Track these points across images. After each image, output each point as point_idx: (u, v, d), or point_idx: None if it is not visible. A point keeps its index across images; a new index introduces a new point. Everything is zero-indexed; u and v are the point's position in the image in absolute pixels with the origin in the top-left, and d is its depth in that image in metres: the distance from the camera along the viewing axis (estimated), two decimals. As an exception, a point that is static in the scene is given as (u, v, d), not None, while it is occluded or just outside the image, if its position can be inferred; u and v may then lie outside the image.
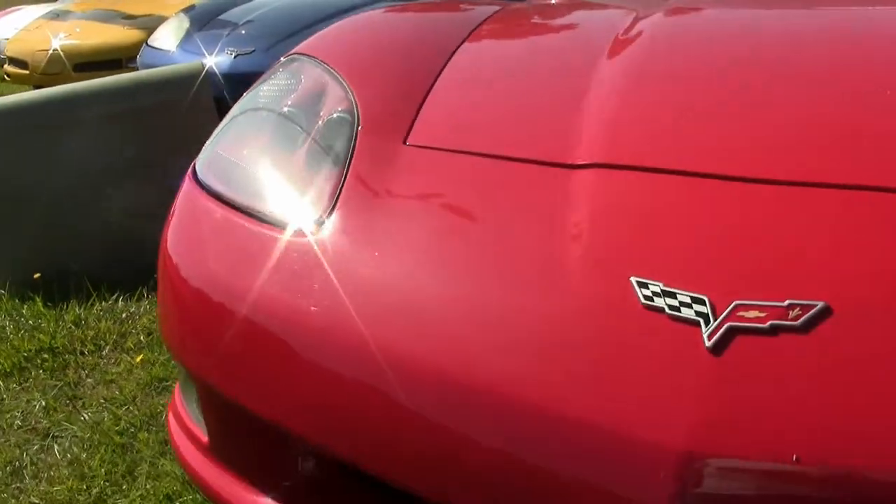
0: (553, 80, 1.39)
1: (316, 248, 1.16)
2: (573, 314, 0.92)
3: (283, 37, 4.93)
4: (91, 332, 2.82)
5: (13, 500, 1.94)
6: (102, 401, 2.36)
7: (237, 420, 1.27)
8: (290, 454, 1.26)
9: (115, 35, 7.99)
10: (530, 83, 1.42)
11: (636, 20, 1.51)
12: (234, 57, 4.96)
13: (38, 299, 3.05)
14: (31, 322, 2.93)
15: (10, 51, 8.76)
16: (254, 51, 4.95)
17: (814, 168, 0.98)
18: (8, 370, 2.61)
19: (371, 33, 1.70)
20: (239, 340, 1.20)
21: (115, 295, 3.05)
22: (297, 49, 1.69)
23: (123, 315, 2.93)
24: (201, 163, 1.51)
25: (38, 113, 3.27)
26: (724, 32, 1.52)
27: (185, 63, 4.08)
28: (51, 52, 8.03)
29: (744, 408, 0.79)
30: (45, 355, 2.69)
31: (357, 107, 1.38)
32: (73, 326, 2.87)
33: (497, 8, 1.80)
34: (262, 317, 1.16)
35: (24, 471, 2.06)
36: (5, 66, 8.96)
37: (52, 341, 2.76)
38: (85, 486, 1.96)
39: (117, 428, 2.19)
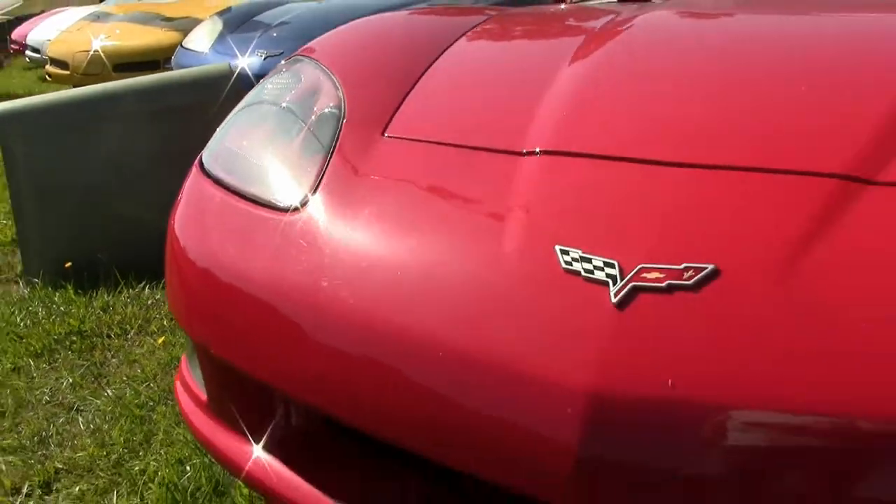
0: (522, 79, 1.53)
1: (299, 223, 1.31)
2: (505, 276, 1.06)
3: (311, 39, 5.05)
4: (118, 317, 2.99)
5: (39, 466, 2.10)
6: (125, 378, 2.53)
7: (232, 381, 1.42)
8: (279, 409, 1.41)
9: (154, 37, 8.19)
10: (502, 82, 1.56)
11: (609, 24, 1.64)
12: (264, 58, 5.10)
13: (69, 287, 3.23)
14: (62, 308, 3.11)
15: (52, 52, 9.01)
16: (282, 53, 5.07)
17: (720, 153, 1.12)
18: (39, 351, 2.78)
19: (368, 37, 1.85)
20: (235, 310, 1.35)
21: (142, 283, 3.23)
22: (300, 50, 1.85)
23: (149, 302, 3.11)
24: (207, 153, 1.66)
25: (73, 111, 3.42)
26: (686, 35, 1.65)
27: (213, 64, 4.23)
28: (91, 53, 8.25)
29: (639, 352, 0.92)
30: (74, 338, 2.86)
31: (344, 103, 1.52)
32: (101, 312, 3.05)
33: (494, 13, 1.94)
34: (252, 288, 1.31)
35: (50, 440, 2.23)
36: (47, 66, 9.22)
37: (81, 325, 2.94)
38: (105, 453, 2.12)
39: (137, 402, 2.35)
